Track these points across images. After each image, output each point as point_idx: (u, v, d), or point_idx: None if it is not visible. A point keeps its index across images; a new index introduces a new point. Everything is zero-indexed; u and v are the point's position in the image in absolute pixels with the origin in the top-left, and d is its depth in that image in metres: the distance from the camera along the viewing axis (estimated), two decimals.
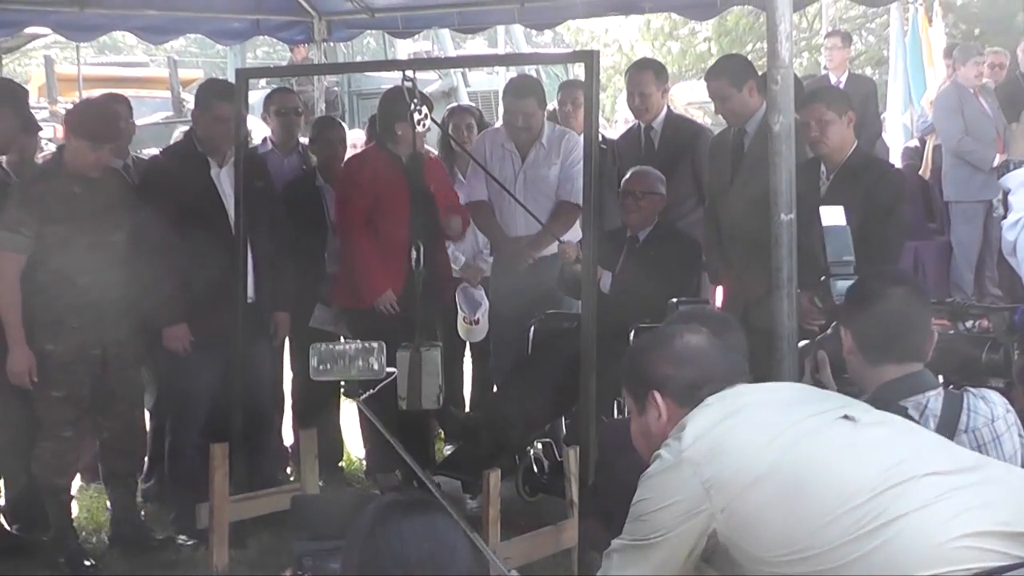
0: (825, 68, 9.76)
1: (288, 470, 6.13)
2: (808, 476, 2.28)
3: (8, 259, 4.84)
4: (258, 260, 5.33)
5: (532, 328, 5.78)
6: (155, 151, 5.84)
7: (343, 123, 7.06)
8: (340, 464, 6.30)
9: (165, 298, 5.14)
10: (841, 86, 8.99)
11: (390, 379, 3.66)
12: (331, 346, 3.69)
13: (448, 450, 6.38)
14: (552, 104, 6.99)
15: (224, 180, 5.25)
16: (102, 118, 5.11)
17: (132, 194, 5.18)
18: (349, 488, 5.96)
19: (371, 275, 5.57)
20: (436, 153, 6.82)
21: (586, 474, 4.24)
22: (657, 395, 2.55)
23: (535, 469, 5.53)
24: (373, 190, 5.60)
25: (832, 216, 3.61)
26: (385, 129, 5.74)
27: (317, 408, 5.95)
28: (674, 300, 4.94)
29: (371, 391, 3.66)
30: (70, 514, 5.17)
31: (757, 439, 2.35)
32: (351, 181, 5.72)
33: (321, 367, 3.63)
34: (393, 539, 2.01)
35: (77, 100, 11.78)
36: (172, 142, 6.54)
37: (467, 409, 6.59)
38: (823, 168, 4.91)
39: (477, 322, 6.47)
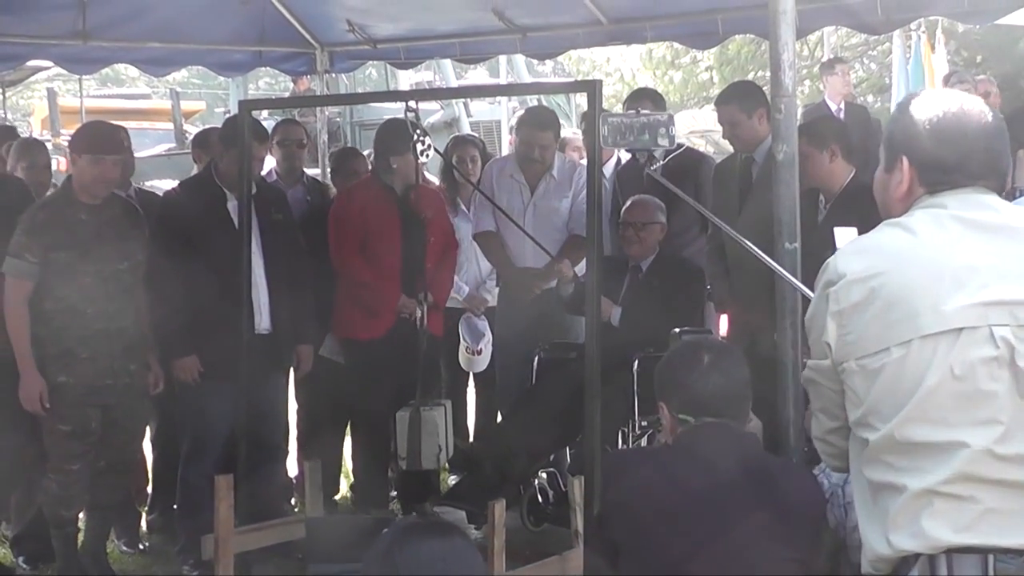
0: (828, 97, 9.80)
1: (292, 501, 6.14)
2: (905, 384, 2.27)
3: (13, 286, 4.87)
4: (276, 291, 5.35)
5: (536, 358, 5.80)
6: (157, 183, 5.86)
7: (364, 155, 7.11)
8: (335, 498, 6.31)
9: (175, 329, 5.17)
10: (841, 115, 9.04)
11: None
12: (620, 119, 3.60)
13: (452, 480, 6.38)
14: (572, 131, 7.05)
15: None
16: (101, 131, 5.18)
17: (140, 223, 5.21)
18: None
19: (378, 292, 5.59)
20: (438, 183, 6.86)
21: (591, 504, 4.23)
22: (906, 161, 2.43)
23: (540, 499, 5.54)
24: (364, 221, 5.68)
25: (846, 238, 3.62)
26: (380, 161, 5.81)
27: (322, 439, 5.96)
28: (677, 330, 4.99)
29: None
30: (76, 547, 5.17)
31: (894, 315, 2.28)
32: (343, 212, 5.81)
33: (611, 138, 3.57)
34: (411, 560, 2.03)
35: None
36: (193, 175, 6.55)
37: (471, 439, 6.60)
38: (821, 197, 4.94)
39: (479, 352, 6.50)
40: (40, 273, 4.86)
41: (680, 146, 3.48)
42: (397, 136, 5.66)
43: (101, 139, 5.05)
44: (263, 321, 5.31)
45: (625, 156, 6.94)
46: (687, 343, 3.20)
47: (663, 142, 3.55)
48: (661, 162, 3.65)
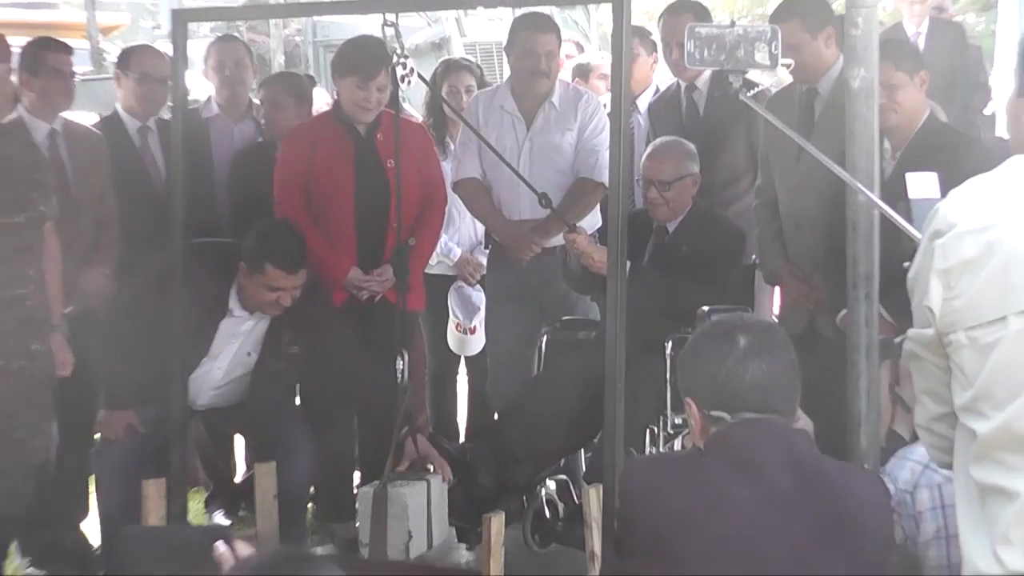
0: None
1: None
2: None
3: None
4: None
5: (544, 339, 5.83)
6: (67, 115, 5.85)
7: (311, 78, 7.10)
8: None
9: (113, 366, 5.26)
10: (921, 38, 9.06)
11: None
12: (710, 31, 3.64)
13: None
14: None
15: None
16: None
17: (42, 164, 5.21)
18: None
19: (325, 261, 5.62)
20: (422, 119, 6.87)
21: (610, 520, 4.27)
22: None
23: (547, 513, 5.58)
24: (310, 168, 5.70)
25: (922, 186, 3.63)
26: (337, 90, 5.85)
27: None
28: (705, 308, 5.03)
29: None
30: None
31: (1014, 276, 2.32)
32: (287, 157, 5.82)
33: (699, 55, 3.63)
34: None
35: None
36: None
37: (462, 440, 6.63)
38: (886, 144, 4.96)
39: (473, 331, 6.55)
40: None
41: (788, 64, 3.52)
42: (352, 55, 5.69)
43: None
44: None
45: (662, 86, 6.96)
46: (717, 324, 3.19)
47: (763, 60, 3.57)
48: (765, 87, 3.65)
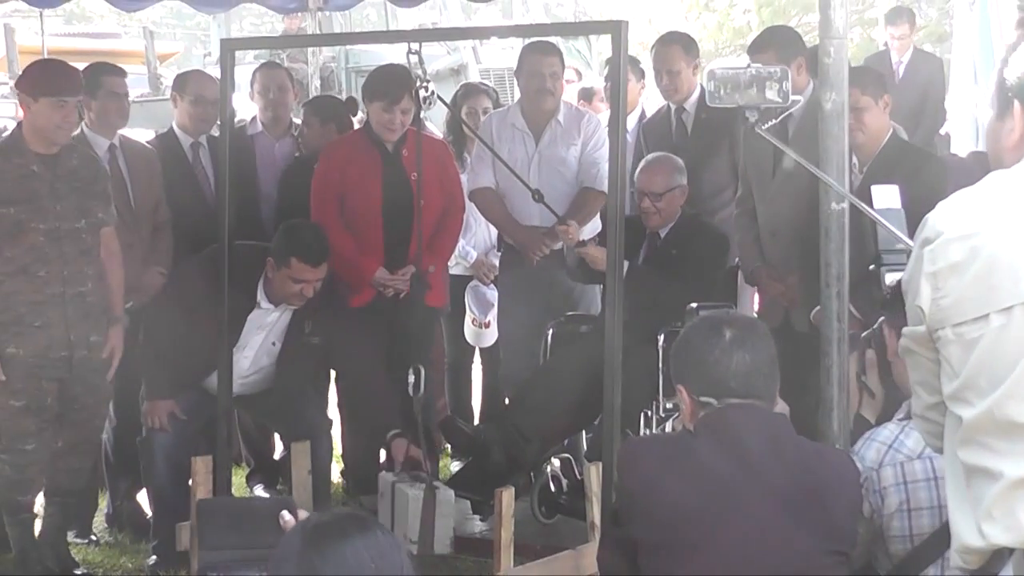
0: (885, 45, 9.79)
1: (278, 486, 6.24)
2: (1007, 356, 2.28)
3: None
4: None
5: (550, 332, 5.81)
6: (127, 132, 5.85)
7: (354, 101, 7.08)
8: None
9: (153, 360, 5.24)
10: (902, 66, 9.07)
11: None
12: (728, 71, 3.65)
13: (456, 466, 6.41)
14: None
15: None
16: (60, 69, 5.15)
17: (102, 176, 5.20)
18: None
19: (354, 261, 5.61)
20: (442, 135, 6.86)
21: (608, 493, 4.26)
22: (1018, 106, 2.42)
23: (552, 487, 5.55)
24: (343, 180, 5.68)
25: (885, 197, 3.62)
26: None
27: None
28: (693, 305, 5.02)
29: None
30: (33, 536, 5.18)
31: (995, 278, 2.28)
32: (323, 170, 5.79)
33: (718, 94, 3.62)
34: (335, 563, 2.05)
35: None
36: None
37: (476, 421, 6.62)
38: (855, 160, 4.94)
39: (488, 325, 6.54)
40: None
41: (795, 102, 3.52)
42: (379, 82, 5.68)
43: (62, 78, 5.03)
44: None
45: (651, 109, 6.94)
46: (705, 319, 3.18)
47: (772, 97, 3.56)
48: (774, 121, 3.67)
